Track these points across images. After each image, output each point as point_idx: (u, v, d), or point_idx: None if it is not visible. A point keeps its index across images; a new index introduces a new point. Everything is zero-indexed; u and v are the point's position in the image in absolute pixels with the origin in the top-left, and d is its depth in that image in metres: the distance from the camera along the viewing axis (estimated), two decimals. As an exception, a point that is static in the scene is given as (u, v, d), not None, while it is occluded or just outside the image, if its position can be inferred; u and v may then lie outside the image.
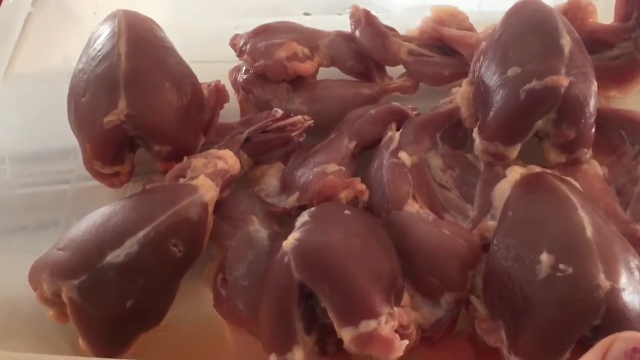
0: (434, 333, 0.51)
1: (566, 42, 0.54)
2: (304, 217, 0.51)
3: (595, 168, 0.56)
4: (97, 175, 0.60)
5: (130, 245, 0.49)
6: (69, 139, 0.62)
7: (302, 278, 0.45)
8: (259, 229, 0.56)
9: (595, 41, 0.63)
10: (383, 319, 0.44)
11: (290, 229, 0.51)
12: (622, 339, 0.36)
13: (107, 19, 0.63)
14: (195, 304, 0.57)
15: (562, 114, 0.53)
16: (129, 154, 0.60)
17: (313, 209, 0.52)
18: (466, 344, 0.52)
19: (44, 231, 0.64)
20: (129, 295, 0.49)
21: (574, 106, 0.53)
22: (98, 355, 0.50)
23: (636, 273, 0.45)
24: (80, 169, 0.63)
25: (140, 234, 0.50)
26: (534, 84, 0.52)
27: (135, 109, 0.56)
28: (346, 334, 0.44)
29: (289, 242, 0.47)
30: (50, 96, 0.68)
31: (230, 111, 0.68)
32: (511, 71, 0.54)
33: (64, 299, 0.49)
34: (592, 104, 0.53)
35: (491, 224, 0.53)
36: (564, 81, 0.52)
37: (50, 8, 0.68)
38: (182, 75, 0.61)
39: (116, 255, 0.49)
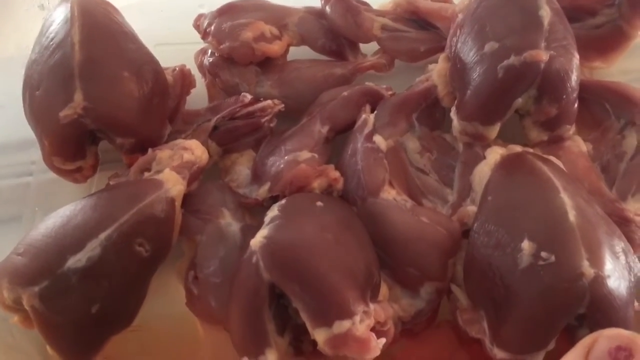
0: (414, 325, 0.50)
1: (545, 14, 0.51)
2: (273, 211, 0.48)
3: (579, 145, 0.54)
4: (58, 171, 0.57)
5: (91, 249, 0.47)
6: (30, 130, 0.59)
7: (271, 278, 0.43)
8: (230, 222, 0.54)
9: (577, 9, 0.60)
10: (357, 318, 0.42)
11: (262, 221, 0.49)
12: (606, 337, 0.34)
13: (60, 4, 0.60)
14: (168, 302, 0.55)
15: (542, 91, 0.51)
16: (90, 147, 0.58)
17: (283, 201, 0.50)
18: (449, 335, 0.51)
19: (6, 226, 0.62)
20: (94, 300, 0.47)
21: (555, 82, 0.50)
22: (68, 361, 0.48)
23: (622, 257, 0.44)
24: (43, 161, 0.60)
25: (102, 235, 0.47)
26: (512, 59, 0.50)
27: (93, 101, 0.53)
28: (319, 336, 0.42)
29: (257, 241, 0.45)
30: (7, 86, 0.65)
31: (199, 96, 0.65)
32: (488, 46, 0.52)
33: (26, 306, 0.47)
34: (574, 79, 0.51)
35: (471, 209, 0.51)
36: (543, 56, 0.49)
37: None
38: (142, 62, 0.57)
39: (77, 260, 0.47)
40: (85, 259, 0.47)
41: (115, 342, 0.50)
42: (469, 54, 0.53)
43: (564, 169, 0.51)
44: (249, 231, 0.51)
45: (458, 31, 0.56)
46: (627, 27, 0.59)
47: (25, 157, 0.65)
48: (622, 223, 0.49)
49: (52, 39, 0.56)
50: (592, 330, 0.40)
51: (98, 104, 0.53)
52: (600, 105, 0.56)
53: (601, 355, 0.31)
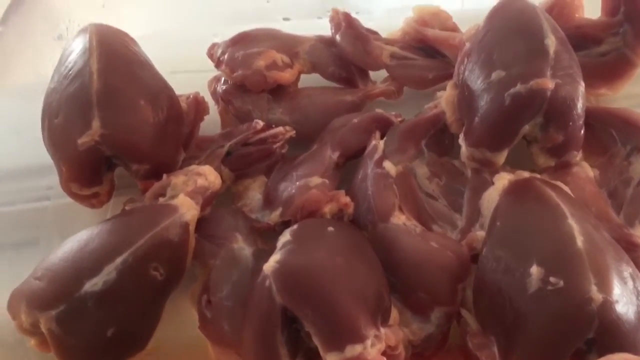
0: (424, 349, 0.50)
1: (551, 43, 0.53)
2: (285, 236, 0.49)
3: (586, 170, 0.55)
4: (75, 196, 0.58)
5: (108, 273, 0.48)
6: (48, 156, 0.60)
7: (284, 302, 0.44)
8: (242, 247, 0.54)
9: (583, 37, 0.61)
10: (369, 342, 0.43)
11: (274, 245, 0.50)
12: (613, 363, 0.34)
13: (79, 35, 0.61)
14: (182, 325, 0.55)
15: (549, 118, 0.52)
16: (107, 174, 0.59)
17: (295, 226, 0.51)
18: (459, 359, 0.51)
19: (24, 250, 0.62)
20: (109, 324, 0.48)
21: (561, 109, 0.51)
22: (83, 384, 0.49)
23: (629, 282, 0.44)
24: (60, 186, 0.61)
25: (118, 260, 0.48)
26: (519, 88, 0.51)
27: (110, 129, 0.55)
28: (331, 360, 0.43)
29: (270, 265, 0.45)
30: (25, 112, 0.66)
31: (212, 122, 0.66)
32: (495, 75, 0.53)
33: (43, 330, 0.48)
34: (580, 106, 0.52)
35: (480, 234, 0.51)
36: (549, 84, 0.50)
37: (21, 26, 0.66)
38: (158, 90, 0.59)
39: (94, 284, 0.47)
40: (102, 282, 0.47)
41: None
42: (476, 82, 0.54)
43: (572, 194, 0.51)
44: (261, 255, 0.52)
45: (465, 59, 0.57)
46: (631, 55, 0.59)
47: (42, 183, 0.66)
48: (630, 248, 0.49)
49: (70, 68, 0.58)
50: (601, 355, 0.40)
51: (115, 131, 0.55)
52: (607, 132, 0.57)
53: (609, 380, 0.31)
